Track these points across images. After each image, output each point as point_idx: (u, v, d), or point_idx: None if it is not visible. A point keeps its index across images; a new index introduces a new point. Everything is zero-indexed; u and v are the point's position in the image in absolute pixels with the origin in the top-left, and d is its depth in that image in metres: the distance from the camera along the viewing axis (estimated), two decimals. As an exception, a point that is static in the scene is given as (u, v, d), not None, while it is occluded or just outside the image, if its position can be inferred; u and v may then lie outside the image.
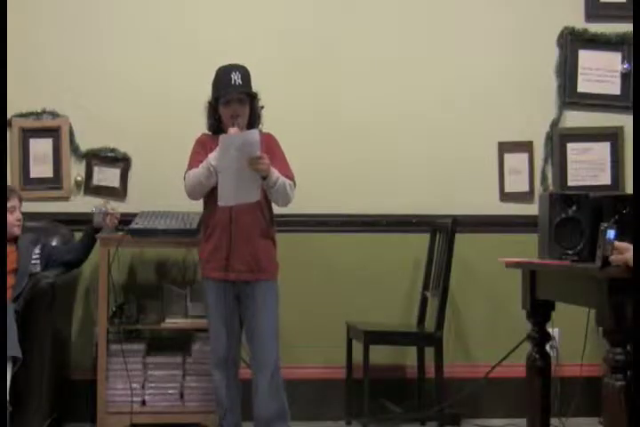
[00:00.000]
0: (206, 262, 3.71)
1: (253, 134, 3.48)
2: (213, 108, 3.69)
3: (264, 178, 3.50)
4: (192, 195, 3.68)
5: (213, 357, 3.74)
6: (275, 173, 3.54)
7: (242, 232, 3.59)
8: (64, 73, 4.54)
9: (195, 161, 3.66)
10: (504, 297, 4.45)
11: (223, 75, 3.65)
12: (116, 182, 4.55)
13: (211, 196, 3.64)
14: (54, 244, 4.28)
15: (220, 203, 3.49)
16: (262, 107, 3.72)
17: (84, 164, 4.56)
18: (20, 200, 4.15)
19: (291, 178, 3.65)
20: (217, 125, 3.69)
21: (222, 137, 3.47)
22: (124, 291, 4.45)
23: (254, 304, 3.63)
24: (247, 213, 3.59)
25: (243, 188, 3.47)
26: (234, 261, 3.59)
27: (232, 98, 3.62)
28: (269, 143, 3.67)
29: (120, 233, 4.13)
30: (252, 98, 3.67)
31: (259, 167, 3.45)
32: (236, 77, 3.61)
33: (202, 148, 3.69)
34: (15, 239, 4.09)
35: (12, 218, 4.04)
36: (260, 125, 3.74)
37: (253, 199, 3.52)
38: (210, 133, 3.74)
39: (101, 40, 4.57)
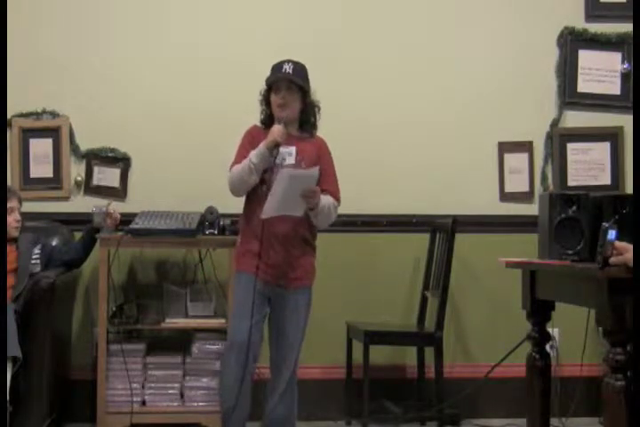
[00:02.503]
0: (242, 257, 3.64)
1: (314, 171, 3.44)
2: (266, 99, 3.65)
3: (311, 209, 3.49)
4: (234, 191, 3.61)
5: (230, 341, 3.57)
6: (321, 201, 3.50)
7: (278, 239, 3.54)
8: (64, 73, 4.54)
9: (240, 156, 3.60)
10: (504, 297, 4.45)
11: (277, 65, 3.65)
12: (115, 182, 4.55)
13: (251, 196, 3.60)
14: (54, 244, 4.28)
15: (262, 216, 3.45)
16: (319, 108, 3.68)
17: (84, 164, 4.56)
18: (20, 201, 4.15)
19: (335, 196, 3.61)
20: (268, 117, 3.66)
21: (284, 171, 3.41)
22: (124, 291, 4.46)
23: (285, 308, 3.60)
24: (285, 220, 3.53)
25: (288, 205, 3.45)
26: (268, 265, 3.55)
27: (280, 85, 3.59)
28: (322, 151, 3.65)
29: (120, 233, 4.13)
30: (304, 92, 3.63)
31: (311, 200, 3.44)
32: (287, 67, 3.60)
33: (250, 141, 3.63)
34: (15, 239, 4.09)
35: (10, 219, 4.03)
36: (314, 131, 3.70)
37: (297, 214, 3.50)
38: (261, 126, 3.69)
39: (101, 40, 4.57)
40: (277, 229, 3.54)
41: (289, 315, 3.60)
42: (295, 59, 4.57)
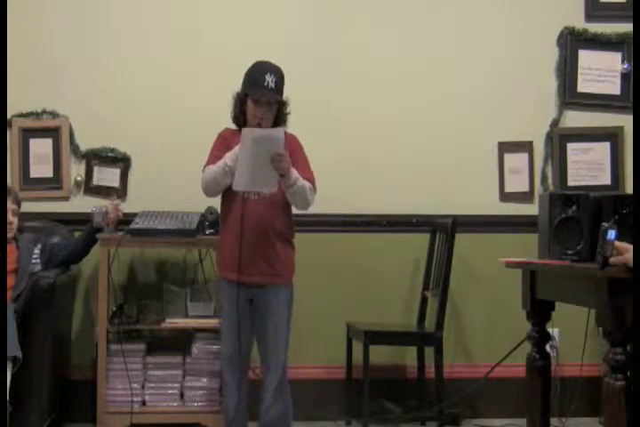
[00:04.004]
0: (222, 263, 3.68)
1: (278, 132, 3.45)
2: (241, 101, 3.62)
3: (282, 176, 3.46)
4: (207, 192, 3.64)
5: (224, 358, 3.69)
6: (294, 173, 3.49)
7: (255, 234, 3.55)
8: (64, 73, 4.54)
9: (214, 157, 3.61)
10: (504, 297, 4.45)
11: (258, 73, 3.57)
12: (115, 182, 4.55)
13: (227, 194, 3.62)
14: (54, 243, 4.27)
15: (235, 187, 3.46)
16: (289, 112, 3.66)
17: (83, 164, 4.56)
18: (17, 203, 4.11)
19: (311, 180, 3.61)
20: (241, 118, 3.64)
21: (246, 130, 3.43)
22: (124, 291, 4.46)
23: (266, 308, 3.60)
24: (258, 211, 3.56)
25: (260, 177, 3.43)
26: (246, 263, 3.55)
27: (262, 99, 3.56)
28: (292, 144, 3.63)
29: (120, 233, 4.13)
30: (281, 104, 3.62)
31: (280, 165, 3.41)
32: (270, 80, 3.53)
33: (223, 143, 3.64)
34: (15, 239, 4.09)
35: None
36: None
37: (269, 190, 3.49)
38: (233, 128, 3.69)
39: (102, 40, 4.57)
40: (253, 224, 3.54)
41: (271, 313, 3.60)
42: (295, 59, 4.61)
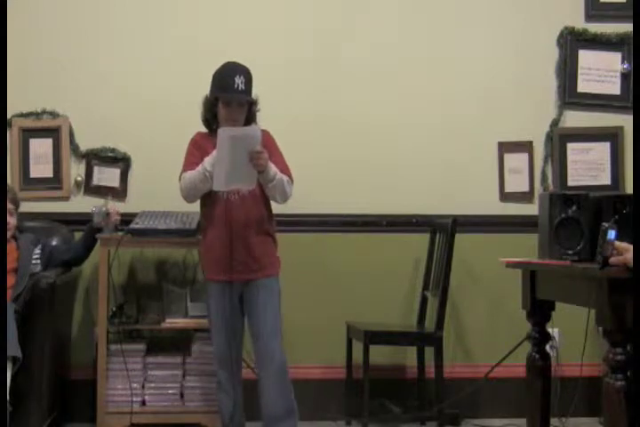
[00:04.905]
0: (206, 265, 3.72)
1: (255, 130, 3.48)
2: (211, 104, 3.64)
3: (260, 172, 3.49)
4: (187, 198, 3.67)
5: (215, 358, 3.72)
6: (272, 168, 3.52)
7: (237, 230, 3.57)
8: (64, 73, 4.54)
9: (190, 163, 3.64)
10: (504, 297, 4.46)
11: (227, 76, 3.59)
12: (115, 182, 4.55)
13: (206, 198, 3.64)
14: (54, 244, 4.27)
15: (215, 188, 3.50)
16: (259, 110, 3.70)
17: (83, 164, 4.56)
18: (14, 202, 4.09)
19: (288, 174, 3.64)
20: (212, 121, 3.66)
21: (222, 130, 3.44)
22: (124, 291, 4.46)
23: (255, 302, 3.62)
24: (241, 211, 3.58)
25: (239, 175, 3.46)
26: (231, 261, 3.58)
27: (232, 101, 3.59)
28: (266, 139, 3.64)
29: (120, 233, 4.13)
30: (251, 103, 3.65)
31: (258, 162, 3.44)
32: (240, 82, 3.55)
33: (196, 148, 3.67)
34: (15, 239, 4.09)
35: None
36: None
37: (248, 187, 3.52)
38: (205, 132, 3.72)
39: (101, 40, 4.57)
40: (239, 224, 3.56)
41: (262, 304, 3.61)
42: (296, 58, 4.61)
